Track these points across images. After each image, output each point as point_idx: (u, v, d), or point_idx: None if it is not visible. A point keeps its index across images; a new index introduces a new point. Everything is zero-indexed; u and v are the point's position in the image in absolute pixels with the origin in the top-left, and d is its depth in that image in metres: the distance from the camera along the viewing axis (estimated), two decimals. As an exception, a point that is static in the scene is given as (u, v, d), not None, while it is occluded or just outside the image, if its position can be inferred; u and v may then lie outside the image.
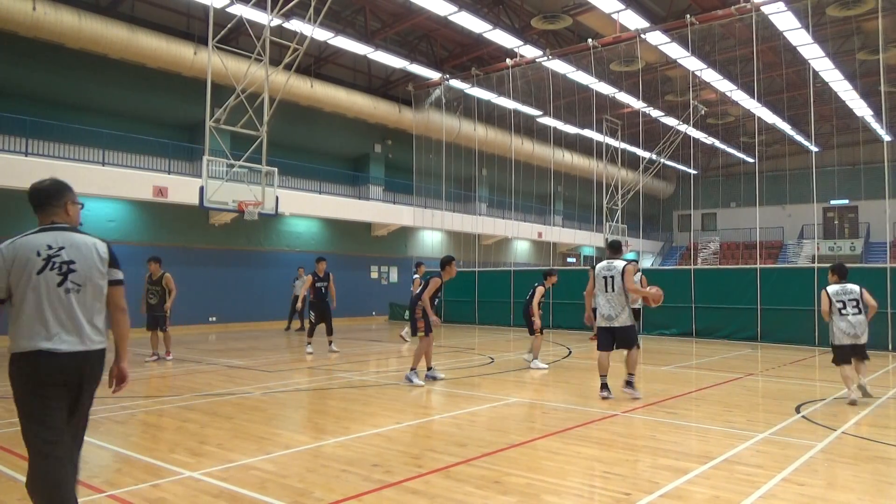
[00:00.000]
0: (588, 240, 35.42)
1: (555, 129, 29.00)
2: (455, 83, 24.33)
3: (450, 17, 19.18)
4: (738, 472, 5.02)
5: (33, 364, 3.23)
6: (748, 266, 19.32)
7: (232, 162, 14.44)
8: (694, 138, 28.82)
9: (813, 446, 5.83)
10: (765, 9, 17.60)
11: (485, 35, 20.49)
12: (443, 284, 9.55)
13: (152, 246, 17.61)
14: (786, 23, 18.66)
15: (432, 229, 26.63)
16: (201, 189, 13.31)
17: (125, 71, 18.29)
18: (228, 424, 6.67)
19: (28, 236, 3.35)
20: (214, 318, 20.06)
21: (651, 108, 27.85)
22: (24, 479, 3.31)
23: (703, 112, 27.36)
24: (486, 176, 30.01)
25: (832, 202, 36.55)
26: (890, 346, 13.97)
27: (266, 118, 14.00)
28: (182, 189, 17.96)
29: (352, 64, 24.46)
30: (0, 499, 4.32)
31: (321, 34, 18.99)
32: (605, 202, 26.97)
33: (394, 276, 26.63)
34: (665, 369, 11.26)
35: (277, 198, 14.70)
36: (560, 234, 33.75)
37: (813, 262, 19.50)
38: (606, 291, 8.24)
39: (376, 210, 25.08)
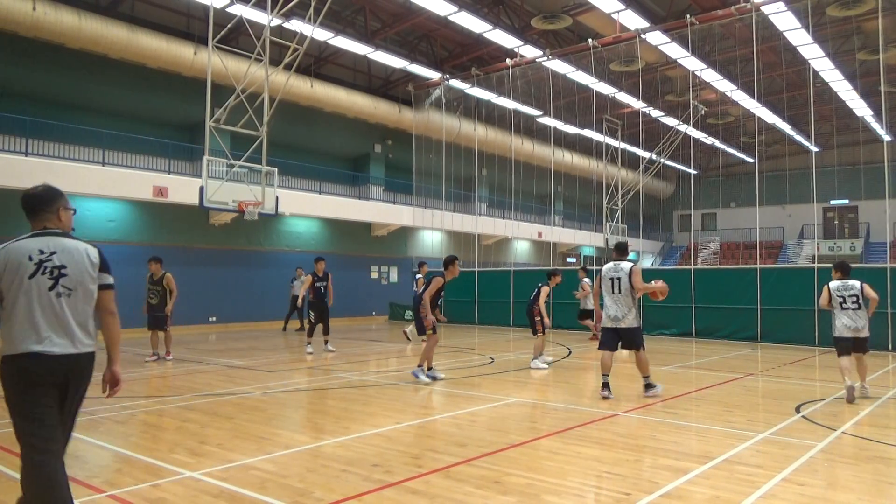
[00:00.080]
0: (588, 240, 35.42)
1: (555, 129, 29.00)
2: (455, 83, 24.32)
3: (450, 17, 19.18)
4: (738, 472, 5.02)
5: (24, 366, 3.27)
6: (748, 266, 19.30)
7: (232, 162, 14.43)
8: (694, 138, 28.81)
9: (813, 446, 5.83)
10: (765, 9, 17.59)
11: (485, 35, 20.49)
12: (445, 284, 9.59)
13: (152, 246, 17.62)
14: (786, 23, 18.66)
15: (432, 229, 26.63)
16: (201, 189, 13.30)
17: (125, 71, 18.30)
18: (228, 424, 6.67)
19: (20, 241, 3.39)
20: (214, 318, 20.07)
21: (651, 108, 27.84)
22: (24, 479, 3.33)
23: (703, 112, 27.34)
24: (486, 176, 30.01)
25: (832, 202, 36.55)
26: (890, 346, 13.97)
27: (266, 118, 13.99)
28: (182, 189, 17.98)
29: (352, 64, 24.47)
30: (0, 499, 4.31)
31: (321, 34, 18.99)
32: (605, 202, 26.93)
33: (394, 276, 26.63)
34: (665, 369, 11.28)
35: (277, 198, 14.69)
36: (560, 234, 33.75)
37: (813, 263, 19.50)
38: (613, 293, 8.30)
39: (376, 210, 25.08)
